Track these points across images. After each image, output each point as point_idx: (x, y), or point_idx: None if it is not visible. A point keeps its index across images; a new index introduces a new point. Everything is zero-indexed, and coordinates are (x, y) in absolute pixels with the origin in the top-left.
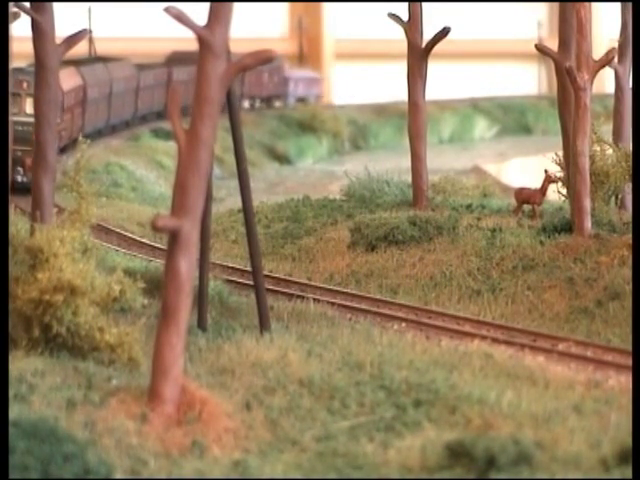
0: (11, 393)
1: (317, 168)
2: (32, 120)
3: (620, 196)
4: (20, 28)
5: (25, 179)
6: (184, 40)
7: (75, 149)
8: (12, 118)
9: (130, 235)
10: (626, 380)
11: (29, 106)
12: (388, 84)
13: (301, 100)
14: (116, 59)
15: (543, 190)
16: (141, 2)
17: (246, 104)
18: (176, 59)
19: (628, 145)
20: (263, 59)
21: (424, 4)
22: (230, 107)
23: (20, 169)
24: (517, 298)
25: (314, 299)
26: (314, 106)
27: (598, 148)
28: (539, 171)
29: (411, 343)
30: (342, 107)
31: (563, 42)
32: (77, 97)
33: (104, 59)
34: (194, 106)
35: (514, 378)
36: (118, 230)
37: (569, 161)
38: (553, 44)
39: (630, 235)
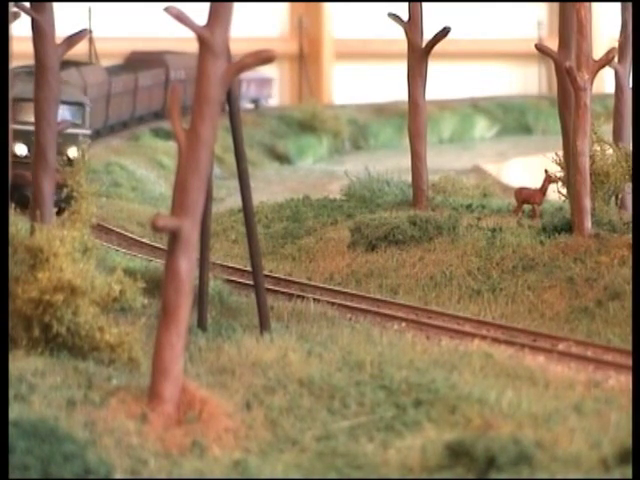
0: (11, 393)
1: (317, 168)
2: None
3: (620, 196)
4: (20, 28)
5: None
6: (184, 40)
7: None
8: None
9: (130, 235)
10: (626, 380)
11: None
12: (388, 84)
13: (254, 102)
14: (87, 63)
15: (543, 190)
16: (141, 2)
17: None
18: (136, 60)
19: (628, 145)
20: (263, 59)
21: (424, 4)
22: (230, 107)
23: None
24: (517, 298)
25: (314, 299)
26: (314, 106)
27: (598, 148)
28: (539, 171)
29: (411, 343)
30: (342, 107)
31: (563, 42)
32: None
33: (76, 63)
34: (194, 106)
35: (514, 378)
36: (118, 230)
37: (569, 161)
38: (553, 44)
39: (630, 235)
